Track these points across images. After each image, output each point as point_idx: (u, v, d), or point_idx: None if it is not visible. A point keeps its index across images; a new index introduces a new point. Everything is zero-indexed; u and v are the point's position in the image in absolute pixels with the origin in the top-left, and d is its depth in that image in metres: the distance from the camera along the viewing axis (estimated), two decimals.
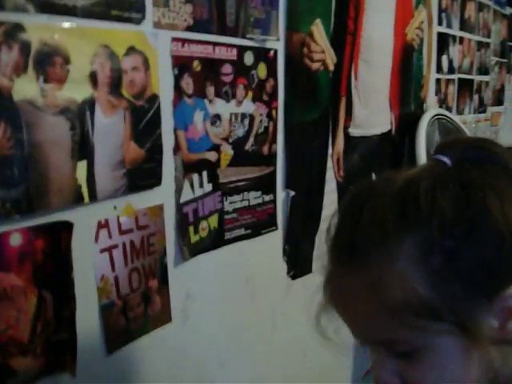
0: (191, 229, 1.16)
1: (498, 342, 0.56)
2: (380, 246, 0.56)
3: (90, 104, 0.92)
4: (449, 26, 2.39)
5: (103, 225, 0.98)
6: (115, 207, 1.00)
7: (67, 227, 0.92)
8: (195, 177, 1.16)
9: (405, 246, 0.55)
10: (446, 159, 0.61)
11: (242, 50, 1.24)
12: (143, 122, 1.02)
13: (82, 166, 0.92)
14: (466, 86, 2.64)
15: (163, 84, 1.06)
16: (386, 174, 0.63)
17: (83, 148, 0.92)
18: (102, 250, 0.98)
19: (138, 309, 1.07)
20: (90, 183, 0.93)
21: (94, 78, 0.92)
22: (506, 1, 3.17)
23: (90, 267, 0.97)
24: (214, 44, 1.17)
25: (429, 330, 0.55)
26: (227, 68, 1.20)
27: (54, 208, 0.88)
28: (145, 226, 1.06)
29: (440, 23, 2.30)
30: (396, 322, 0.56)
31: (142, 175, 1.03)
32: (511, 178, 0.59)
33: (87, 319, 0.97)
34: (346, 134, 1.65)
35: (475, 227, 0.54)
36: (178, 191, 1.12)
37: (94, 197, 0.94)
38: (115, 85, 0.96)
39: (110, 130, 0.96)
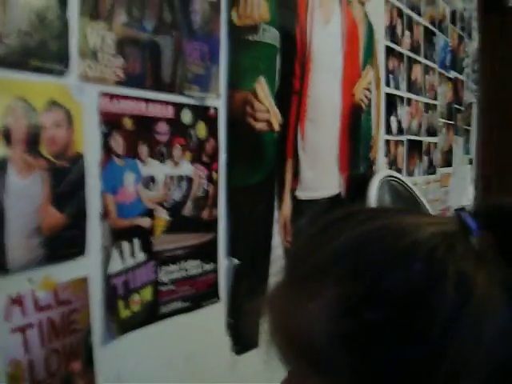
0: (121, 303, 1.05)
1: None
2: (312, 282, 0.53)
3: (1, 164, 0.82)
4: (396, 87, 2.39)
5: (16, 300, 0.86)
6: (31, 280, 0.89)
7: None
8: (125, 245, 1.05)
9: (329, 295, 0.51)
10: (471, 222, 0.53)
11: (179, 107, 1.16)
12: (64, 184, 0.92)
13: None
14: (415, 147, 2.64)
15: (89, 142, 0.97)
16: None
17: None
18: (14, 330, 0.86)
19: None
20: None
21: (7, 135, 0.83)
22: (450, 65, 3.23)
23: None
24: (148, 100, 1.08)
25: (309, 377, 0.53)
26: (162, 126, 1.12)
27: None
28: (66, 302, 0.95)
29: (388, 84, 2.29)
30: (291, 351, 0.55)
31: (62, 244, 0.93)
32: None
33: None
34: (294, 197, 1.58)
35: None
36: (106, 261, 1.02)
37: (4, 269, 0.83)
38: (33, 142, 0.87)
39: (25, 193, 0.86)
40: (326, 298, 0.51)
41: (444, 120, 3.13)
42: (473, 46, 3.79)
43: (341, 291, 0.50)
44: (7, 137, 0.83)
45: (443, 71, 3.10)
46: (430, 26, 2.85)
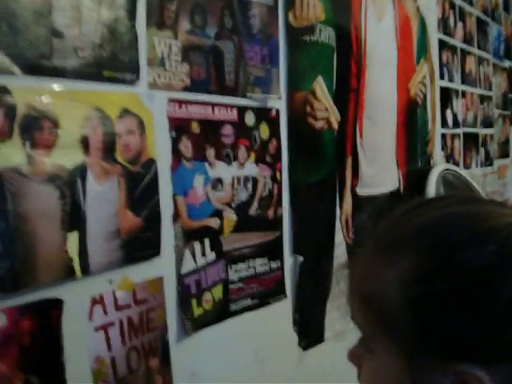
0: (194, 301, 1.08)
1: None
2: (392, 251, 0.58)
3: (81, 170, 0.87)
4: (451, 80, 2.37)
5: (97, 301, 0.91)
6: (110, 281, 0.93)
7: (57, 305, 0.85)
8: (197, 245, 1.09)
9: (406, 263, 0.56)
10: None
11: (242, 110, 1.18)
12: (139, 188, 0.96)
13: (73, 237, 0.86)
14: (471, 140, 2.60)
15: (160, 148, 1.01)
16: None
17: (74, 218, 0.86)
18: (97, 329, 0.91)
19: None
20: (82, 256, 0.87)
21: (85, 143, 0.87)
22: (504, 54, 3.17)
23: (84, 348, 0.89)
24: (213, 104, 1.11)
25: (378, 337, 0.58)
26: (227, 129, 1.15)
27: (42, 284, 0.82)
28: (143, 301, 0.98)
29: (442, 77, 2.27)
30: (365, 313, 0.59)
31: (139, 245, 0.96)
32: None
33: None
34: (354, 194, 1.59)
35: (476, 295, 0.52)
36: (179, 261, 1.05)
37: (86, 271, 0.88)
38: (108, 149, 0.91)
39: (103, 197, 0.90)
40: (403, 265, 0.56)
41: (500, 111, 3.07)
42: None
43: (417, 260, 0.55)
44: (85, 145, 0.87)
45: (497, 61, 3.05)
46: (483, 16, 2.81)
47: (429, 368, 0.54)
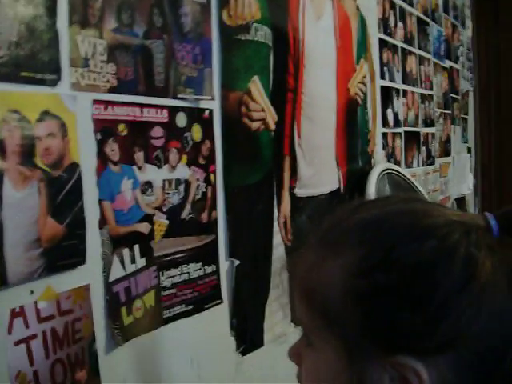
0: (123, 310, 1.04)
1: None
2: (336, 245, 0.59)
3: None
4: (391, 79, 2.38)
5: (18, 313, 0.86)
6: (32, 292, 0.89)
7: None
8: (126, 252, 1.05)
9: (349, 256, 0.57)
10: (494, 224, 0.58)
11: (173, 110, 1.15)
12: (62, 194, 0.92)
13: None
14: (412, 139, 2.63)
15: (84, 151, 0.96)
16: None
17: None
18: (18, 342, 0.86)
19: None
20: None
21: (1, 148, 0.82)
22: (445, 54, 3.22)
23: (3, 363, 0.84)
24: (142, 105, 1.08)
25: (319, 332, 0.59)
26: (158, 131, 1.11)
27: None
28: (68, 311, 0.94)
29: (382, 77, 2.28)
30: (307, 306, 0.61)
31: (62, 254, 0.92)
32: None
33: None
34: (292, 195, 1.57)
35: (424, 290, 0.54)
36: (107, 269, 1.01)
37: (5, 282, 0.83)
38: (27, 154, 0.86)
39: (21, 204, 0.85)
40: (346, 258, 0.57)
41: (441, 110, 3.12)
42: (467, 34, 3.78)
43: (360, 254, 0.56)
44: (1, 149, 0.82)
45: (438, 61, 3.09)
46: (423, 16, 2.84)
47: (368, 362, 0.56)
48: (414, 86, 2.67)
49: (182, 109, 1.17)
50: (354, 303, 0.56)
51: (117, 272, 1.03)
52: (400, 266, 0.54)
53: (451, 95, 3.36)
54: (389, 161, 2.30)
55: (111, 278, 1.02)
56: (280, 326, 1.53)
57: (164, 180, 1.13)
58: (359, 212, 0.62)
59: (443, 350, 0.54)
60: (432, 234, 0.55)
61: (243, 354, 1.40)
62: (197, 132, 1.22)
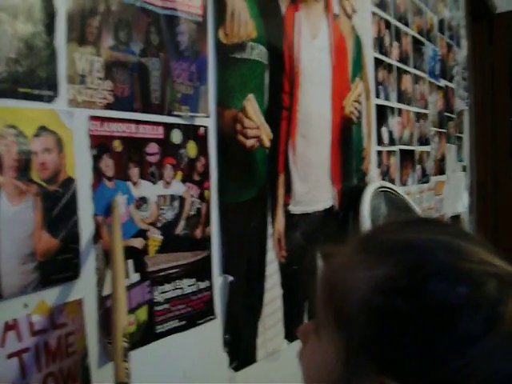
0: None
1: None
2: (374, 255, 0.60)
3: None
4: (386, 98, 2.40)
5: (11, 326, 0.87)
6: (26, 305, 0.89)
7: None
8: None
9: (381, 271, 0.58)
10: None
11: (168, 127, 1.16)
12: (57, 208, 0.93)
13: None
14: (407, 157, 2.64)
15: (80, 166, 0.98)
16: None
17: None
18: (10, 356, 0.86)
19: None
20: None
21: None
22: (440, 73, 3.24)
23: None
24: (137, 122, 1.09)
25: (329, 326, 0.61)
26: (153, 147, 1.12)
27: None
28: (62, 325, 0.95)
29: (378, 96, 2.30)
30: (326, 299, 0.63)
31: (56, 268, 0.93)
32: None
33: None
34: (287, 212, 1.58)
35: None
36: (100, 283, 1.02)
37: None
38: (23, 168, 0.87)
39: (17, 218, 0.86)
40: (377, 272, 0.58)
41: (436, 128, 3.13)
42: (462, 53, 3.81)
43: (391, 273, 0.57)
44: None
45: (433, 80, 3.11)
46: (418, 36, 2.87)
47: (361, 371, 0.57)
48: (408, 104, 2.69)
49: (178, 126, 1.19)
50: (367, 316, 0.57)
51: (110, 287, 1.03)
52: (424, 299, 0.55)
53: (446, 114, 3.38)
54: (383, 179, 2.31)
55: (105, 293, 1.02)
56: (273, 342, 1.53)
57: (159, 196, 1.14)
58: (407, 231, 0.63)
59: None
60: (466, 280, 0.55)
61: (236, 369, 1.40)
62: (192, 149, 1.23)
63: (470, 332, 0.53)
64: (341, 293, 0.61)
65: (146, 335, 1.12)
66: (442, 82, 3.31)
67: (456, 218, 3.46)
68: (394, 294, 0.56)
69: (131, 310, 1.08)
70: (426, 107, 2.96)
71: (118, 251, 0.97)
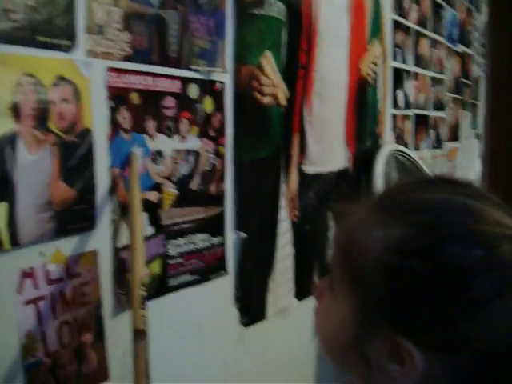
0: (130, 276, 1.06)
1: (376, 368, 0.59)
2: (391, 215, 0.60)
3: (11, 139, 0.83)
4: (403, 61, 2.37)
5: (28, 274, 0.88)
6: (42, 253, 0.90)
7: None
8: None
9: (398, 231, 0.58)
10: None
11: (185, 81, 1.16)
12: (74, 159, 0.93)
13: (2, 208, 0.82)
14: (422, 122, 2.62)
15: (97, 118, 0.98)
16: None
17: (3, 188, 0.82)
18: (27, 303, 0.88)
19: (69, 367, 0.96)
20: (11, 227, 0.84)
21: (16, 111, 0.83)
22: (458, 38, 3.19)
23: (13, 322, 0.86)
24: (155, 75, 1.08)
25: (344, 284, 0.62)
26: (169, 101, 1.12)
27: None
28: (77, 275, 0.96)
29: (395, 58, 2.27)
30: (342, 257, 0.63)
31: (72, 218, 0.94)
32: None
33: (9, 381, 0.86)
34: (300, 172, 1.58)
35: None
36: (115, 235, 1.03)
37: (16, 242, 0.85)
38: (41, 118, 0.87)
39: (35, 167, 0.87)
40: (394, 232, 0.58)
41: (451, 94, 3.10)
42: (481, 19, 3.74)
43: (408, 233, 0.57)
44: (16, 112, 0.84)
45: (451, 45, 3.07)
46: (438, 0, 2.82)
47: (375, 330, 0.58)
48: (425, 68, 2.65)
49: (195, 80, 1.18)
50: (383, 276, 0.57)
51: (125, 239, 1.04)
52: (440, 261, 0.55)
53: (463, 80, 3.34)
54: (397, 142, 2.29)
55: (119, 245, 1.04)
56: (283, 300, 1.54)
57: (174, 150, 1.14)
58: (424, 191, 0.63)
59: (446, 351, 0.56)
60: (482, 243, 0.55)
61: (246, 325, 1.42)
62: (208, 104, 1.22)
63: (483, 294, 0.54)
64: (356, 252, 0.61)
65: (158, 288, 1.14)
66: (460, 48, 3.26)
67: None
68: (410, 255, 0.56)
69: (145, 263, 1.09)
70: (442, 72, 2.93)
71: (136, 203, 0.98)
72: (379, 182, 1.82)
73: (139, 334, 0.87)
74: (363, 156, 1.92)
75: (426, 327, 0.56)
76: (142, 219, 0.99)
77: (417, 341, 0.56)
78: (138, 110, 1.05)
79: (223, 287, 1.34)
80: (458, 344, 0.55)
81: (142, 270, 0.93)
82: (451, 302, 0.54)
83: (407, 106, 2.43)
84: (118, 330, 1.05)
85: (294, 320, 1.59)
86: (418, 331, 0.56)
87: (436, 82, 2.82)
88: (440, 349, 0.56)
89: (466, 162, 3.43)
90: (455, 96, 3.18)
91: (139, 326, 0.88)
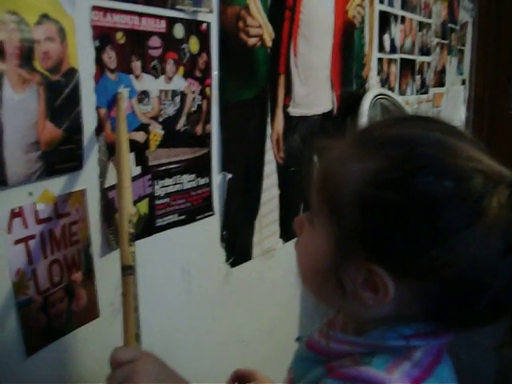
0: (118, 216, 1.07)
1: (351, 296, 0.63)
2: (368, 149, 0.63)
3: None
4: (390, 4, 2.35)
5: (17, 213, 0.89)
6: (30, 193, 0.91)
7: None
8: None
9: (374, 164, 0.60)
10: None
11: (171, 21, 1.14)
12: (60, 98, 0.92)
13: None
14: (408, 67, 2.61)
15: (83, 57, 0.97)
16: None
17: None
18: (17, 242, 0.89)
19: (60, 304, 0.98)
20: None
21: (0, 49, 0.82)
22: None
23: (4, 261, 0.87)
24: (140, 14, 1.07)
25: (322, 216, 0.65)
26: (155, 41, 1.11)
27: None
28: (65, 214, 0.97)
29: (381, 1, 2.25)
30: (321, 189, 0.66)
31: (60, 158, 0.94)
32: None
33: (2, 318, 0.88)
34: (286, 114, 1.58)
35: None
36: (103, 175, 1.03)
37: (4, 182, 0.85)
38: (26, 57, 0.86)
39: (21, 107, 0.86)
40: (370, 164, 0.61)
41: (438, 39, 3.08)
42: None
43: (383, 165, 0.59)
44: (0, 51, 0.82)
45: None
46: None
47: (350, 258, 0.62)
48: (412, 12, 2.63)
49: (180, 20, 1.17)
50: (358, 205, 0.60)
51: (112, 179, 1.05)
52: (412, 191, 0.57)
53: (450, 25, 3.31)
54: (383, 86, 2.29)
55: (107, 184, 1.04)
56: (269, 241, 1.57)
57: (160, 90, 1.14)
58: (400, 126, 0.65)
59: (417, 277, 0.59)
60: (453, 175, 0.58)
61: (232, 265, 1.44)
62: (194, 44, 1.21)
63: (453, 223, 0.57)
64: (334, 184, 0.63)
65: (146, 228, 1.15)
66: None
67: None
68: (384, 186, 0.58)
69: (133, 202, 1.10)
70: (429, 16, 2.90)
71: (123, 140, 0.98)
72: (364, 124, 1.82)
73: (128, 269, 0.89)
74: (349, 99, 1.92)
75: (398, 254, 0.59)
76: (129, 157, 1.00)
77: (389, 267, 0.60)
78: (124, 49, 1.04)
79: (210, 228, 1.36)
80: (428, 270, 0.58)
81: (130, 208, 0.94)
82: (422, 229, 0.57)
83: (393, 50, 2.42)
84: (107, 269, 1.06)
85: (279, 261, 1.62)
86: (391, 258, 0.59)
87: (423, 26, 2.80)
88: (411, 275, 0.59)
89: (451, 107, 3.44)
90: (442, 41, 3.16)
91: (128, 261, 0.90)
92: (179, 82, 1.18)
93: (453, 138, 0.62)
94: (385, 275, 0.60)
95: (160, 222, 1.19)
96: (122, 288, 0.88)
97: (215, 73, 1.29)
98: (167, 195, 1.19)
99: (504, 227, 0.57)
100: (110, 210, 1.05)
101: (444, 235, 0.57)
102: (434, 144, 0.61)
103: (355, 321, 0.70)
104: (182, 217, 1.25)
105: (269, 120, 1.51)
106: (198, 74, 1.23)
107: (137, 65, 1.07)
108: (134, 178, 1.09)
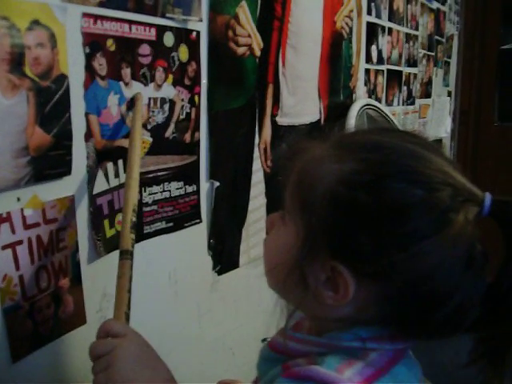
0: (106, 222, 1.07)
1: (312, 294, 0.64)
2: (345, 152, 0.64)
3: None
4: (378, 16, 2.37)
5: (5, 218, 0.88)
6: (19, 199, 0.91)
7: None
8: (110, 166, 1.07)
9: (349, 165, 0.62)
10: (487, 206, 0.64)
11: (161, 29, 1.15)
12: (50, 104, 0.93)
13: None
14: (394, 78, 2.64)
15: (73, 64, 0.97)
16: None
17: None
18: (4, 247, 0.89)
19: (47, 310, 0.97)
20: None
21: None
22: None
23: None
24: (131, 22, 1.08)
25: (293, 212, 0.66)
26: (145, 49, 1.12)
27: None
28: (53, 220, 0.97)
29: (369, 13, 2.27)
30: (294, 187, 0.67)
31: (49, 163, 0.94)
32: None
33: None
34: (274, 123, 1.59)
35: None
36: (91, 181, 1.03)
37: None
38: (17, 62, 0.86)
39: (10, 112, 0.86)
40: (345, 166, 0.62)
41: (424, 51, 3.11)
42: None
43: (356, 168, 0.61)
44: None
45: (425, 1, 3.06)
46: None
47: (316, 254, 0.63)
48: (399, 24, 2.66)
49: (170, 28, 1.18)
50: (329, 204, 0.61)
51: (101, 185, 1.05)
52: (382, 194, 0.59)
53: (436, 37, 3.34)
54: (370, 97, 2.31)
55: (95, 191, 1.04)
56: (255, 249, 1.57)
57: (149, 98, 1.14)
58: (380, 134, 0.68)
59: (377, 279, 0.61)
60: (424, 184, 0.60)
61: (219, 273, 1.45)
62: (183, 52, 1.22)
63: (417, 230, 0.59)
64: (309, 181, 0.65)
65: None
66: (435, 4, 3.26)
67: (438, 142, 3.49)
68: (357, 186, 0.60)
69: (120, 210, 1.10)
70: (416, 28, 2.93)
71: (137, 137, 1.02)
72: None
73: (126, 254, 0.91)
74: (336, 109, 1.93)
75: (361, 254, 0.60)
76: (140, 152, 1.02)
77: (352, 266, 0.61)
78: (114, 56, 1.05)
79: (197, 235, 1.36)
80: (388, 272, 0.60)
81: (135, 198, 0.97)
82: (387, 232, 0.59)
83: (380, 61, 2.44)
84: (94, 276, 1.07)
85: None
86: (355, 257, 0.61)
87: (410, 38, 2.83)
88: (372, 276, 0.61)
89: (437, 119, 3.46)
90: (428, 53, 3.19)
91: (128, 246, 0.91)
92: (168, 90, 1.19)
93: (429, 152, 0.64)
94: (347, 274, 0.61)
95: (148, 229, 1.19)
96: (118, 271, 0.90)
97: (204, 81, 1.30)
98: (155, 202, 1.20)
99: (469, 242, 0.60)
100: (98, 216, 1.05)
101: (408, 241, 0.59)
102: (410, 153, 0.63)
103: (314, 320, 0.72)
104: (170, 224, 1.25)
105: (257, 129, 1.52)
106: (187, 82, 1.24)
107: (127, 72, 1.08)
108: (123, 185, 1.09)
